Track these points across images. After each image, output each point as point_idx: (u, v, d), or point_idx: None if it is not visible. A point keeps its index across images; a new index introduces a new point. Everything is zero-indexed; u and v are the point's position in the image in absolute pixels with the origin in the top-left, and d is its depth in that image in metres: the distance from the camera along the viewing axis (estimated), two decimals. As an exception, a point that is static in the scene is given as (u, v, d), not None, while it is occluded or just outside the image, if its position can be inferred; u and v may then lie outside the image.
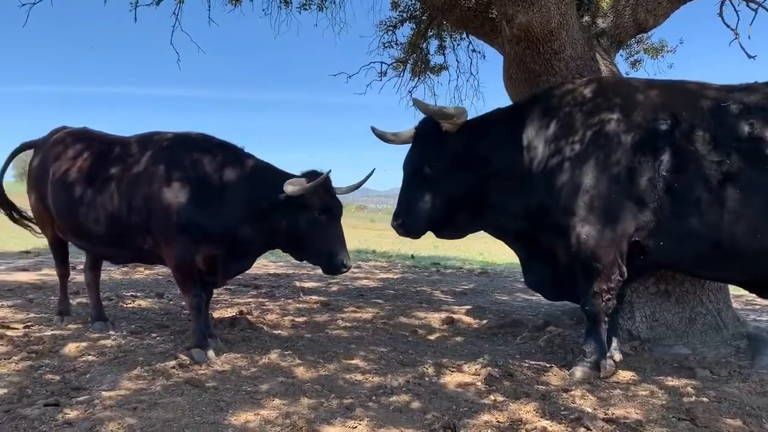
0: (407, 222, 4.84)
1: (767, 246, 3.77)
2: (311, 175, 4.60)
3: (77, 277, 7.23)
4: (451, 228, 4.98)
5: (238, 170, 4.66)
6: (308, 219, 4.55)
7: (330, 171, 4.65)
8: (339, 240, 4.66)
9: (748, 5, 7.43)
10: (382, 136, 5.01)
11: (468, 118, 4.69)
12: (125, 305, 6.68)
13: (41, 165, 5.34)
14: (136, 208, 4.66)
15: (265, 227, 4.65)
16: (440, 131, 4.67)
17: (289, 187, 4.42)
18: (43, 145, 5.48)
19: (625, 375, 4.28)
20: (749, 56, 7.53)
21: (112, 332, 5.22)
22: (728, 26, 7.59)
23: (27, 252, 11.76)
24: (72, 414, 3.27)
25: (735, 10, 7.62)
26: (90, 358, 4.40)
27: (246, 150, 4.92)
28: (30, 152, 5.76)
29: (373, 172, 4.99)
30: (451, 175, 4.68)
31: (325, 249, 4.62)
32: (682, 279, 5.02)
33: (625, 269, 4.16)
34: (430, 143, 4.78)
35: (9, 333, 4.99)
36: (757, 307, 7.73)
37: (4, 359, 4.26)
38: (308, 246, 4.66)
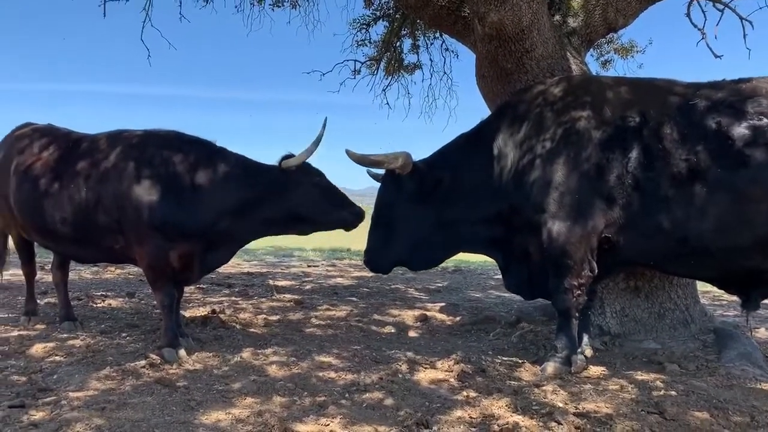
0: (373, 260, 5.03)
1: (733, 243, 3.84)
2: (289, 157, 4.61)
3: (45, 277, 7.09)
4: (422, 260, 5.14)
5: (213, 165, 4.61)
6: (310, 187, 4.62)
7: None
8: (340, 193, 4.78)
9: (714, 6, 7.58)
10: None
11: (417, 159, 4.78)
12: (95, 305, 6.57)
13: (4, 162, 5.17)
14: (107, 207, 4.55)
15: (255, 217, 4.64)
16: (393, 173, 4.77)
17: (291, 161, 4.49)
18: (6, 142, 5.34)
19: (595, 370, 4.32)
20: (716, 56, 7.69)
21: (80, 332, 5.13)
22: (696, 26, 7.75)
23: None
24: (38, 415, 3.21)
25: (702, 10, 7.79)
26: (57, 358, 4.33)
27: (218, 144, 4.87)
28: None
29: (326, 120, 4.78)
30: (410, 213, 4.82)
31: (336, 206, 4.72)
32: (651, 275, 5.09)
33: (595, 265, 4.20)
34: (385, 184, 4.95)
35: (-27, 334, 4.88)
36: (724, 302, 7.88)
37: (-32, 361, 4.17)
38: (318, 212, 4.72)
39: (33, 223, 4.94)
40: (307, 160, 4.67)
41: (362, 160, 4.66)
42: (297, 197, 4.63)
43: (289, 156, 4.64)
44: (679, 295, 5.20)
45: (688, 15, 7.70)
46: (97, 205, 4.58)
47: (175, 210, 4.45)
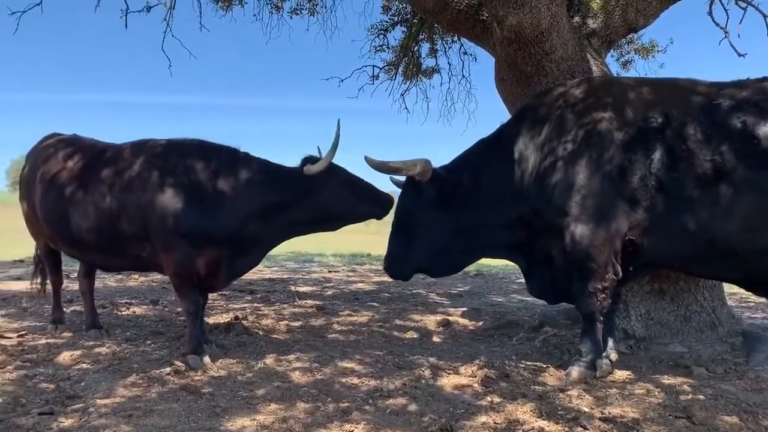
0: (393, 267, 5.03)
1: (761, 243, 3.78)
2: (310, 159, 4.64)
3: (71, 286, 7.20)
4: (443, 267, 5.10)
5: (238, 171, 4.64)
6: (335, 186, 4.65)
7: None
8: (366, 184, 4.79)
9: (737, 4, 7.49)
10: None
11: (436, 166, 4.77)
12: (120, 312, 6.64)
13: (31, 173, 5.28)
14: (134, 215, 4.59)
15: (282, 220, 4.68)
16: (413, 180, 4.77)
17: (313, 168, 4.50)
18: (33, 153, 5.44)
19: (621, 374, 4.28)
20: (739, 54, 7.59)
21: (106, 340, 5.19)
22: (718, 25, 7.65)
23: (21, 261, 11.70)
24: (67, 422, 3.25)
25: (724, 9, 7.68)
26: (85, 366, 4.39)
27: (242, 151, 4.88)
28: (23, 160, 5.72)
29: (339, 123, 4.75)
30: (431, 219, 4.81)
31: (364, 199, 4.76)
32: (676, 277, 5.02)
33: (619, 268, 4.16)
34: (405, 190, 4.95)
35: (3, 342, 4.98)
36: (752, 304, 7.75)
37: (-2, 368, 4.24)
38: (347, 208, 4.77)
39: (60, 232, 5.01)
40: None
41: (381, 167, 4.66)
42: (324, 197, 4.65)
43: (310, 158, 4.66)
44: (706, 297, 5.12)
45: (710, 13, 7.61)
46: (124, 213, 4.62)
47: (201, 217, 4.49)
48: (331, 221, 4.91)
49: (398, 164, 4.64)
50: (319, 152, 4.76)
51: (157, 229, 4.52)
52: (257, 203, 4.58)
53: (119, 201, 4.64)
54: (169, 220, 4.47)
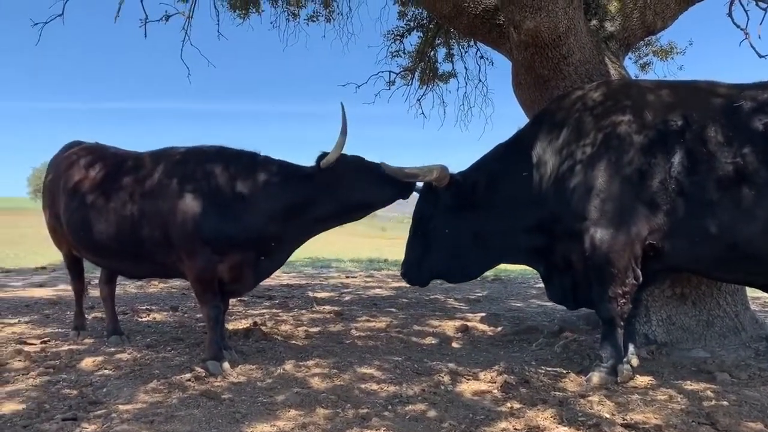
0: (409, 272, 5.02)
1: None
2: (323, 156, 4.62)
3: (92, 292, 7.28)
4: (461, 273, 5.09)
5: (258, 175, 4.65)
6: (354, 176, 4.63)
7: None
8: (376, 167, 4.68)
9: (757, 5, 7.42)
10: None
11: (453, 172, 4.76)
12: (140, 319, 6.71)
13: (54, 181, 5.36)
14: (158, 222, 4.63)
15: (306, 218, 4.69)
16: (430, 185, 4.76)
17: (329, 158, 4.50)
18: (56, 161, 5.51)
19: (642, 380, 4.23)
20: (760, 56, 7.51)
21: (127, 346, 5.24)
22: (738, 26, 7.57)
23: (43, 268, 11.88)
24: (90, 428, 3.29)
25: (744, 9, 7.61)
26: (106, 372, 4.43)
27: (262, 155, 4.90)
28: (45, 168, 5.81)
29: (343, 107, 4.63)
30: (448, 225, 4.79)
31: (385, 183, 4.66)
32: (698, 281, 4.97)
33: (639, 273, 4.12)
34: (423, 196, 4.94)
35: (26, 348, 5.04)
36: (776, 308, 7.63)
37: (22, 374, 4.30)
38: (370, 196, 4.74)
39: (84, 240, 5.05)
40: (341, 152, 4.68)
41: (397, 174, 4.64)
42: (346, 188, 4.63)
43: (323, 154, 4.65)
44: (728, 301, 5.05)
45: (729, 15, 7.53)
46: (148, 221, 4.66)
47: (223, 222, 4.51)
48: (356, 211, 4.88)
49: (415, 170, 4.63)
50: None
51: (180, 236, 4.55)
52: (279, 205, 4.59)
53: (142, 208, 4.69)
54: (191, 227, 4.50)
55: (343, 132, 4.55)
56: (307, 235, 5.00)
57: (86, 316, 6.13)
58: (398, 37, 10.35)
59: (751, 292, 5.48)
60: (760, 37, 7.53)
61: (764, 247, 3.76)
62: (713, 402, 3.73)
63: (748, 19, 7.60)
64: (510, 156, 4.78)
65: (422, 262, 4.93)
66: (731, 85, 4.15)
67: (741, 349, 4.85)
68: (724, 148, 3.82)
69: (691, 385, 4.12)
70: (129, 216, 4.72)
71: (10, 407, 3.62)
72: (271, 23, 9.66)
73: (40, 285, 9.33)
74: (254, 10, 9.34)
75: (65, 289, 8.26)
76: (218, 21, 8.97)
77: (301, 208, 4.65)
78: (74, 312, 5.87)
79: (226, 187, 4.60)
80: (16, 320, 6.41)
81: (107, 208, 4.82)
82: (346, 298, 8.81)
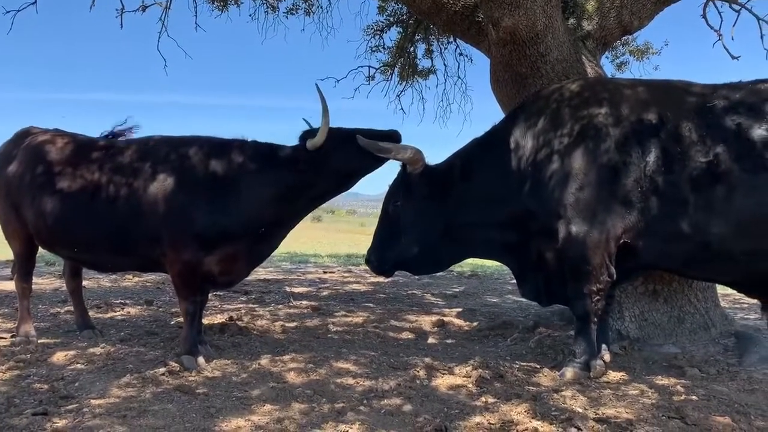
0: (375, 260, 4.97)
1: (755, 246, 3.80)
2: (310, 132, 4.61)
3: (65, 286, 7.17)
4: (426, 265, 5.07)
5: (244, 161, 4.58)
6: (344, 144, 4.56)
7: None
8: (368, 131, 4.66)
9: (731, 7, 7.53)
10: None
11: (428, 162, 4.79)
12: (114, 313, 6.62)
13: (14, 171, 4.94)
14: (142, 214, 4.47)
15: (301, 199, 4.67)
16: (404, 169, 4.75)
17: (316, 140, 4.45)
18: (14, 149, 5.09)
19: (615, 375, 4.29)
20: (733, 57, 7.63)
21: (100, 340, 5.16)
22: (712, 27, 7.69)
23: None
24: (60, 423, 3.24)
25: (718, 11, 7.73)
26: (79, 366, 4.37)
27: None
28: None
29: (319, 87, 4.62)
30: (418, 214, 4.75)
31: (367, 156, 4.61)
32: (670, 278, 5.05)
33: (613, 270, 4.16)
34: (396, 182, 4.91)
35: (-4, 342, 4.95)
36: (745, 305, 7.77)
37: (-8, 369, 4.23)
38: (363, 160, 4.66)
39: (58, 233, 4.79)
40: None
41: (371, 146, 4.56)
42: (336, 162, 4.60)
43: (309, 131, 4.61)
44: (699, 298, 5.15)
45: (704, 16, 7.65)
46: (132, 212, 4.50)
47: (215, 214, 4.44)
48: (350, 178, 4.85)
49: (389, 146, 4.60)
50: (308, 125, 4.75)
51: (166, 228, 4.45)
52: (270, 190, 4.54)
53: (127, 200, 4.51)
54: (179, 219, 4.41)
55: (325, 112, 4.49)
56: (304, 213, 4.99)
57: (60, 309, 6.01)
58: (378, 32, 10.31)
59: (721, 290, 5.59)
60: (733, 39, 7.68)
61: (736, 246, 3.84)
62: (683, 396, 3.79)
63: (722, 20, 7.73)
64: (484, 149, 4.78)
65: (389, 250, 4.88)
66: (705, 85, 4.21)
67: (710, 345, 4.95)
68: (697, 147, 3.88)
69: (661, 380, 4.19)
70: (109, 208, 4.54)
71: (-21, 402, 3.55)
72: (250, 15, 9.56)
73: (10, 279, 9.15)
74: (233, 1, 9.25)
75: (36, 283, 8.11)
76: (196, 12, 8.85)
77: (296, 191, 4.60)
78: (19, 314, 5.20)
79: (214, 176, 4.50)
80: (-14, 314, 6.29)
81: (83, 199, 4.61)
82: (324, 293, 8.79)
